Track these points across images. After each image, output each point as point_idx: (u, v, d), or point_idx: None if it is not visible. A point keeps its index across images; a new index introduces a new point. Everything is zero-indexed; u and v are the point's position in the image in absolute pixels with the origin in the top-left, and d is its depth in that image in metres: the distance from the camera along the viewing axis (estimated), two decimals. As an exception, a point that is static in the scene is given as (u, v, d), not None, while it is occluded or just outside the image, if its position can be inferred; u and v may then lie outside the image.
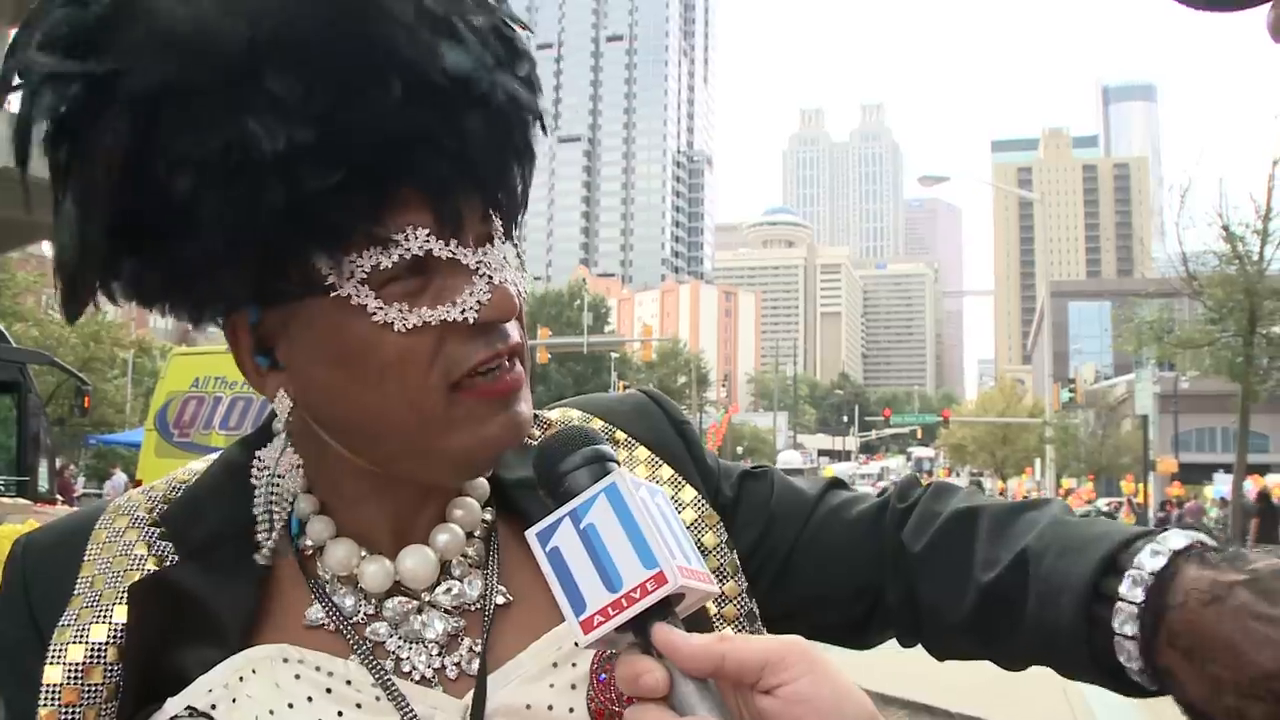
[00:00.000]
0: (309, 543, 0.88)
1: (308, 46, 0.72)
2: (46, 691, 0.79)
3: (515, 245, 0.87)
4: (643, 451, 1.00)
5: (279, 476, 0.87)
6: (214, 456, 0.96)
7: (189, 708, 0.80)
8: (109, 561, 0.85)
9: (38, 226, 28.87)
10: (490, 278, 0.80)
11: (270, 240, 0.75)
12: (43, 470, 12.30)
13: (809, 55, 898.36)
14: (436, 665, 0.85)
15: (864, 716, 0.64)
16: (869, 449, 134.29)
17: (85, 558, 0.86)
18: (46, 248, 43.95)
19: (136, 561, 0.85)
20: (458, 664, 0.86)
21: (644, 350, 54.37)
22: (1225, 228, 12.83)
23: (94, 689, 0.80)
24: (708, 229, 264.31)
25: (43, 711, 0.79)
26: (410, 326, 0.78)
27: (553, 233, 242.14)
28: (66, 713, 0.79)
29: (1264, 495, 28.35)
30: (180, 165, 0.73)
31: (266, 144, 0.72)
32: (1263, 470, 34.67)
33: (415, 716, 0.81)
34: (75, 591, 0.84)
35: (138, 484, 12.92)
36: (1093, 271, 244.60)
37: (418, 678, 0.84)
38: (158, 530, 0.87)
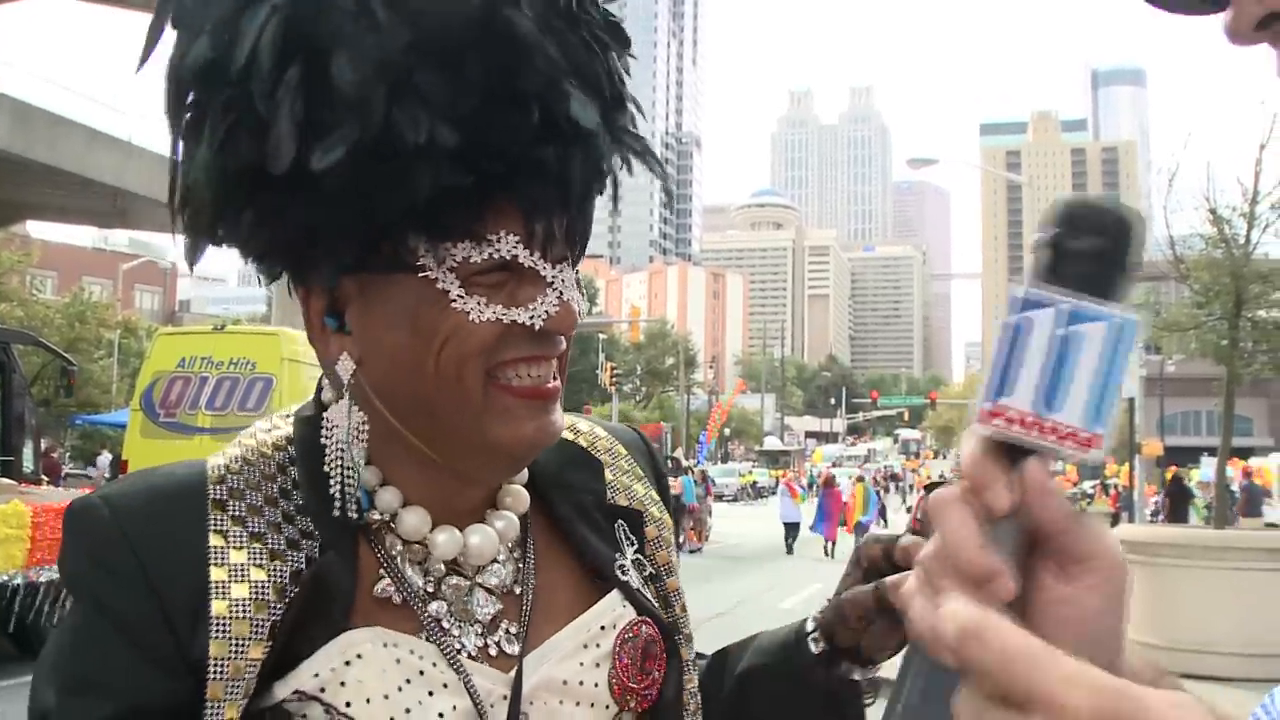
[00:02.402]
0: (377, 515, 0.93)
1: (462, 65, 0.81)
2: (214, 662, 0.82)
3: (577, 272, 0.95)
4: (641, 484, 1.13)
5: (343, 440, 0.92)
6: (281, 423, 0.99)
7: (297, 691, 0.84)
8: (252, 552, 0.87)
9: (21, 207, 28.84)
10: (561, 293, 0.89)
11: (383, 219, 0.84)
12: (28, 451, 12.24)
13: (798, 37, 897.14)
14: (481, 644, 0.93)
15: (1117, 648, 0.63)
16: (856, 431, 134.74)
17: (214, 535, 0.87)
18: (31, 227, 43.92)
19: (289, 546, 0.89)
20: (498, 643, 0.93)
21: (632, 331, 54.48)
22: (1212, 211, 12.83)
23: (251, 664, 0.83)
24: (696, 210, 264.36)
25: (214, 687, 0.81)
26: (484, 320, 0.86)
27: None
28: (232, 688, 0.82)
29: (1177, 479, 28.69)
30: (331, 145, 0.80)
31: (410, 135, 0.80)
32: (1247, 454, 34.90)
33: (481, 695, 0.89)
34: (215, 574, 0.85)
35: (124, 465, 12.92)
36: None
37: (466, 655, 0.91)
38: (297, 509, 0.91)
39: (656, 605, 1.05)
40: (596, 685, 0.96)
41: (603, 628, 0.98)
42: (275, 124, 0.81)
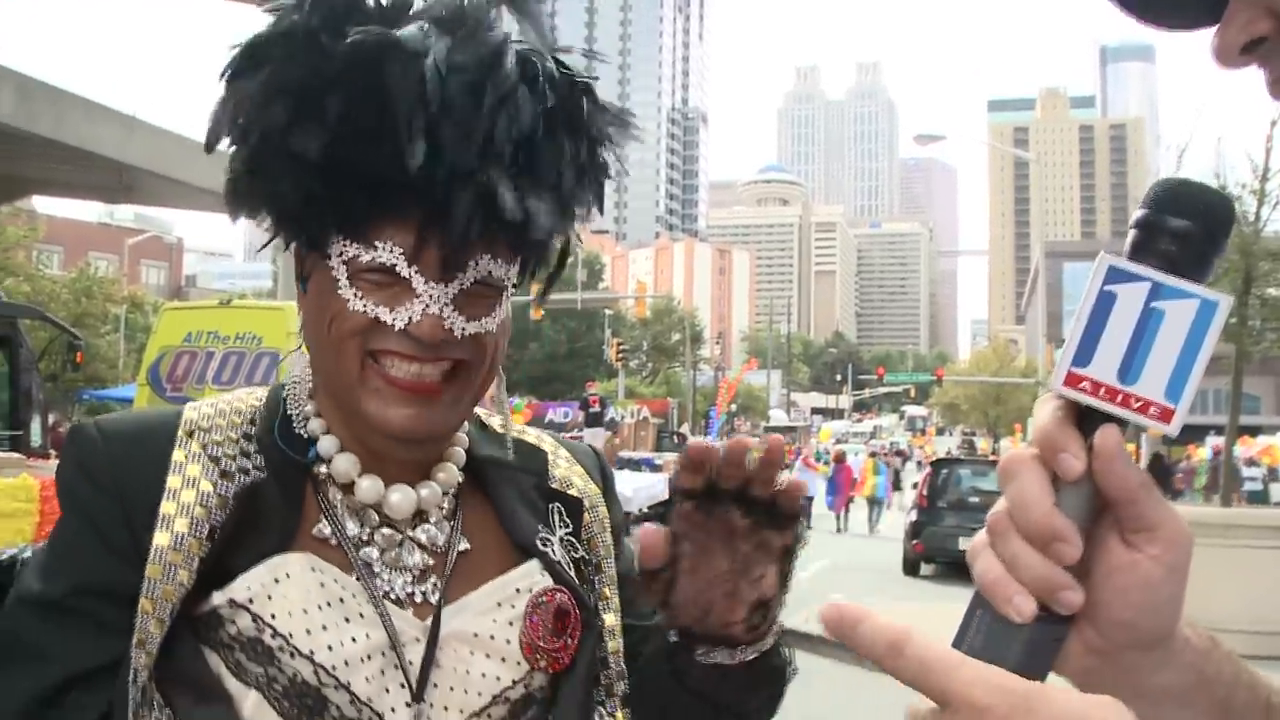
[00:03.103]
0: (323, 469, 1.09)
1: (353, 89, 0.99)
2: (156, 551, 0.98)
3: (505, 296, 1.10)
4: (595, 490, 1.26)
5: (298, 381, 1.13)
6: (261, 392, 1.16)
7: (231, 600, 0.99)
8: (205, 466, 1.03)
9: (26, 182, 28.72)
10: (428, 306, 1.02)
11: (313, 213, 1.03)
12: (35, 425, 12.24)
13: (804, 13, 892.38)
14: (409, 591, 1.07)
15: (1175, 617, 0.65)
16: (862, 407, 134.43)
17: (176, 452, 1.04)
18: (37, 203, 43.86)
19: (237, 465, 1.04)
20: (424, 594, 1.07)
21: (638, 307, 54.32)
22: (1222, 188, 12.76)
23: (189, 558, 0.98)
24: (702, 186, 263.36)
25: (150, 568, 0.97)
26: (356, 310, 1.02)
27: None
28: (169, 571, 0.97)
29: (1157, 457, 28.79)
30: (244, 137, 1.03)
31: (294, 143, 0.99)
32: (1254, 431, 34.76)
33: (396, 632, 1.03)
34: (170, 481, 1.01)
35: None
36: (1088, 233, 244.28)
37: (394, 599, 1.06)
38: (247, 440, 1.07)
39: (576, 581, 1.14)
40: (508, 642, 1.08)
41: (517, 590, 1.10)
42: (221, 115, 1.05)
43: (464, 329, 1.04)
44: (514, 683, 1.09)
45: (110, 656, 0.98)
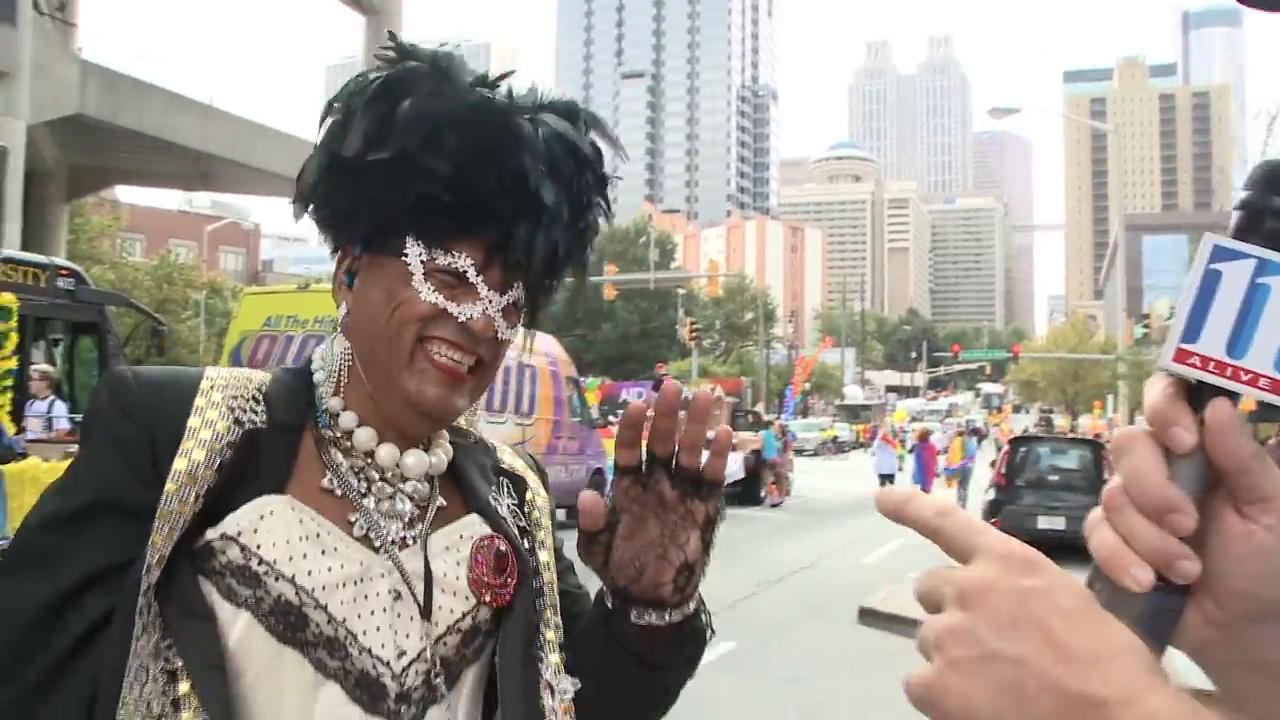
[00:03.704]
0: (339, 432, 1.28)
1: (474, 135, 1.21)
2: (174, 473, 1.13)
3: (522, 307, 1.32)
4: (535, 478, 1.48)
5: (331, 358, 1.31)
6: (276, 370, 1.34)
7: (222, 534, 1.15)
8: (222, 412, 1.19)
9: (110, 172, 29.37)
10: (486, 309, 1.25)
11: (394, 212, 1.23)
12: (122, 408, 12.52)
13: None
14: (401, 535, 1.26)
15: None
16: (937, 385, 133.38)
17: (198, 398, 1.20)
18: (119, 192, 44.74)
19: (247, 415, 1.21)
20: (414, 538, 1.27)
21: (710, 286, 54.25)
22: (1313, 156, 12.39)
23: (200, 483, 1.14)
24: (773, 164, 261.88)
25: (168, 486, 1.12)
26: (427, 300, 1.22)
27: (617, 168, 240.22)
28: (183, 491, 1.13)
29: None
30: (379, 148, 1.20)
31: (423, 159, 1.20)
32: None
33: (361, 563, 1.22)
34: (191, 421, 1.17)
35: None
36: (1169, 204, 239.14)
37: (389, 540, 1.25)
38: (256, 401, 1.23)
39: (516, 536, 1.35)
40: (458, 579, 1.28)
41: (461, 536, 1.30)
42: (352, 129, 1.21)
43: (503, 332, 1.27)
44: (463, 615, 1.27)
45: (121, 560, 1.11)
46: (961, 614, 0.62)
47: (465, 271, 1.23)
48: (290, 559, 1.16)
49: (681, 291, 66.55)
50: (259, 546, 1.16)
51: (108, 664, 1.09)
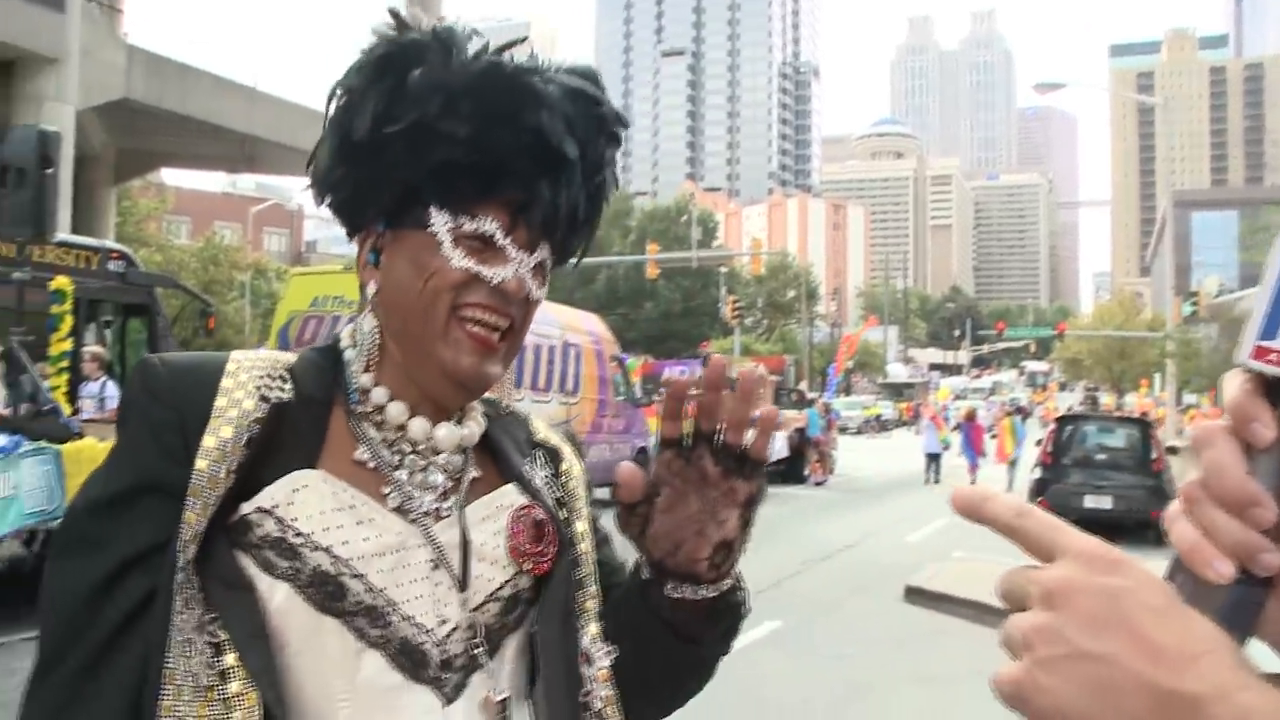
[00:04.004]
0: (370, 407, 1.28)
1: (489, 96, 1.22)
2: (203, 450, 1.15)
3: (549, 267, 1.32)
4: (558, 438, 1.47)
5: (365, 334, 1.31)
6: (303, 351, 1.35)
7: (258, 508, 1.16)
8: (248, 391, 1.21)
9: (156, 155, 29.65)
10: (518, 270, 1.25)
11: (415, 183, 1.23)
12: (173, 389, 12.69)
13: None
14: (435, 506, 1.26)
15: None
16: (981, 363, 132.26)
17: (225, 380, 1.21)
18: (164, 175, 45.19)
19: (273, 391, 1.22)
20: (449, 509, 1.27)
21: (753, 264, 54.12)
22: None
23: (230, 457, 1.16)
24: (815, 141, 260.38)
25: (199, 463, 1.14)
26: (458, 266, 1.22)
27: (658, 147, 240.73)
28: (214, 467, 1.14)
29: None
30: (392, 121, 1.21)
31: (440, 125, 1.21)
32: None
33: (398, 533, 1.22)
34: (218, 402, 1.19)
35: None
36: (1218, 180, 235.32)
37: (422, 511, 1.25)
38: (282, 379, 1.24)
39: (553, 507, 1.35)
40: (497, 548, 1.28)
41: (499, 506, 1.31)
42: (361, 110, 1.22)
43: (534, 292, 1.28)
44: (504, 583, 1.28)
45: (161, 539, 1.14)
46: (1049, 614, 0.63)
47: (493, 235, 1.24)
48: (326, 530, 1.17)
49: (724, 270, 66.30)
50: (294, 519, 1.17)
51: (156, 640, 1.11)
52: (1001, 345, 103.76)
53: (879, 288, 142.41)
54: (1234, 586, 0.66)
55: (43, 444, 8.15)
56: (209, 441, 1.16)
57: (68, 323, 10.41)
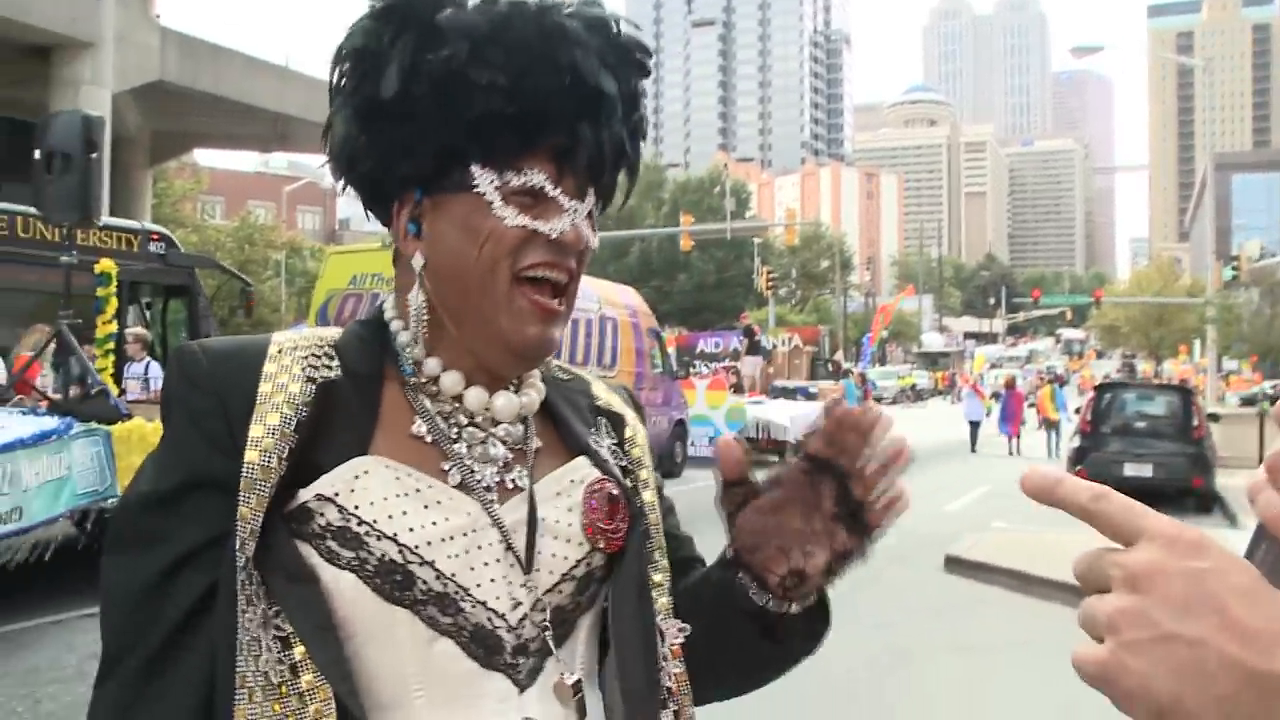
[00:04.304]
0: (423, 378, 1.23)
1: (522, 41, 1.15)
2: (252, 440, 1.11)
3: (596, 213, 1.27)
4: (620, 401, 1.43)
5: (418, 307, 1.23)
6: (348, 326, 1.31)
7: (318, 495, 1.12)
8: (294, 375, 1.16)
9: (190, 136, 29.86)
10: (573, 219, 1.20)
11: (453, 143, 1.16)
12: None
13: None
14: (498, 479, 1.21)
15: None
16: (1016, 331, 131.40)
17: (267, 365, 1.17)
18: (198, 155, 45.48)
19: (319, 371, 1.17)
20: (513, 480, 1.22)
21: (787, 234, 54.01)
22: None
23: (280, 444, 1.12)
24: (847, 110, 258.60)
25: (249, 453, 1.10)
26: (515, 224, 1.17)
27: (690, 118, 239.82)
28: (265, 457, 1.10)
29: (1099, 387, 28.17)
30: (420, 79, 1.15)
31: (476, 75, 1.14)
32: None
33: (469, 514, 1.18)
34: (263, 387, 1.14)
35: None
36: (1260, 141, 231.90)
37: (485, 486, 1.20)
38: (329, 356, 1.20)
39: (622, 478, 1.30)
40: (570, 525, 1.23)
41: (572, 481, 1.26)
42: (389, 66, 1.15)
43: (590, 240, 1.23)
44: (578, 562, 1.22)
45: (216, 533, 1.10)
46: (1133, 596, 0.63)
47: (542, 187, 1.18)
48: (390, 517, 1.13)
49: (757, 240, 66.09)
50: (357, 507, 1.12)
51: (221, 641, 1.08)
52: (1037, 313, 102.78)
53: (913, 256, 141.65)
54: None
55: (93, 425, 8.30)
56: (256, 430, 1.12)
57: (113, 305, 10.52)
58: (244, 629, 1.08)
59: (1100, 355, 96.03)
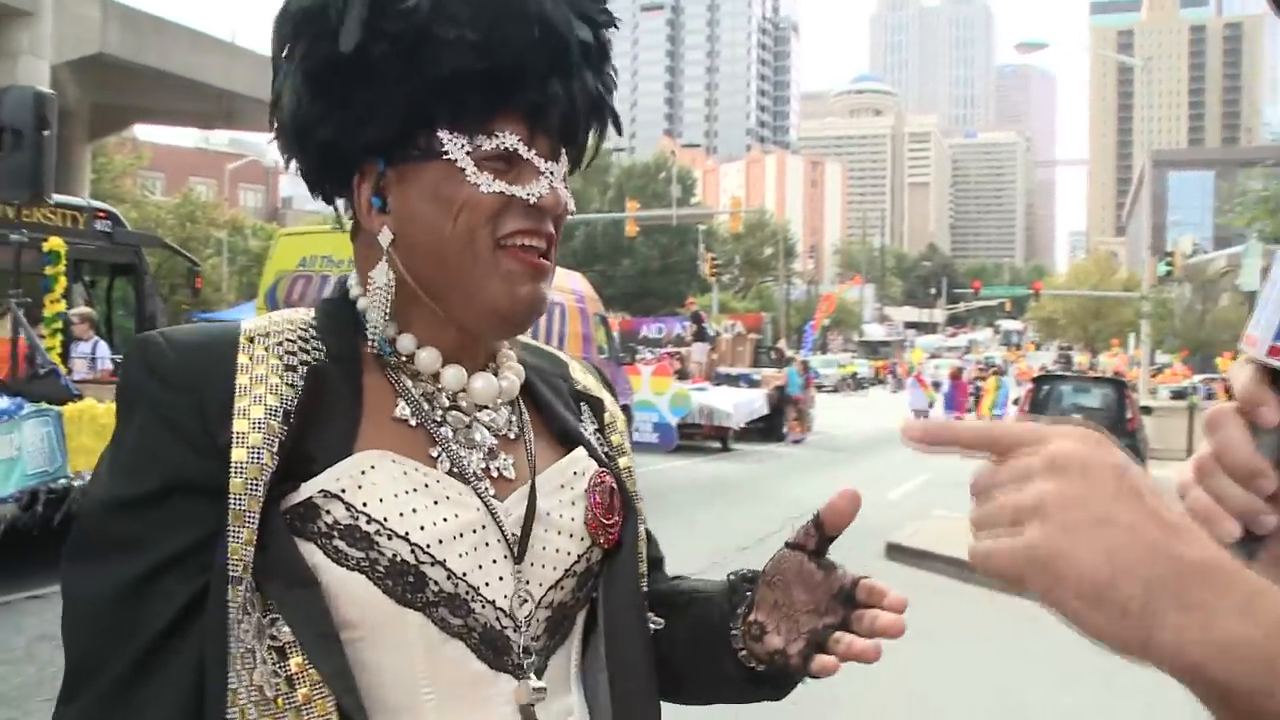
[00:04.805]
0: (401, 357, 1.17)
1: None
2: (237, 437, 1.03)
3: (570, 173, 1.21)
4: (596, 383, 1.40)
5: (382, 287, 1.15)
6: (306, 311, 1.24)
7: (323, 490, 1.05)
8: (272, 364, 1.09)
9: (131, 111, 29.40)
10: (550, 181, 1.14)
11: (418, 105, 1.09)
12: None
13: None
14: (484, 466, 1.16)
15: None
16: (956, 321, 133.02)
17: (240, 356, 1.09)
18: (139, 131, 44.80)
19: (298, 356, 1.11)
20: (499, 469, 1.17)
21: (732, 221, 54.16)
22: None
23: (269, 439, 1.05)
24: (794, 98, 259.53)
25: (235, 452, 1.03)
26: (490, 191, 1.10)
27: (636, 103, 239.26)
28: (252, 453, 1.03)
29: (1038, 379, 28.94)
30: (380, 38, 1.07)
31: (441, 31, 1.07)
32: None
33: (478, 509, 1.13)
34: (240, 379, 1.07)
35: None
36: (1195, 139, 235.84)
37: (471, 473, 1.14)
38: (306, 340, 1.13)
39: (618, 469, 1.28)
40: (573, 520, 1.19)
41: (575, 474, 1.22)
42: (347, 20, 1.07)
43: (568, 202, 1.18)
44: (579, 557, 1.19)
45: (194, 542, 1.02)
46: (1063, 479, 0.64)
47: (515, 149, 1.12)
48: (400, 515, 1.07)
49: (702, 227, 66.30)
50: (365, 504, 1.06)
51: (211, 654, 1.01)
52: (977, 304, 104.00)
53: (856, 245, 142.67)
54: (1238, 544, 0.77)
55: (43, 405, 8.27)
56: (241, 426, 1.04)
57: (61, 284, 10.44)
58: (238, 640, 1.01)
59: (1038, 347, 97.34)
